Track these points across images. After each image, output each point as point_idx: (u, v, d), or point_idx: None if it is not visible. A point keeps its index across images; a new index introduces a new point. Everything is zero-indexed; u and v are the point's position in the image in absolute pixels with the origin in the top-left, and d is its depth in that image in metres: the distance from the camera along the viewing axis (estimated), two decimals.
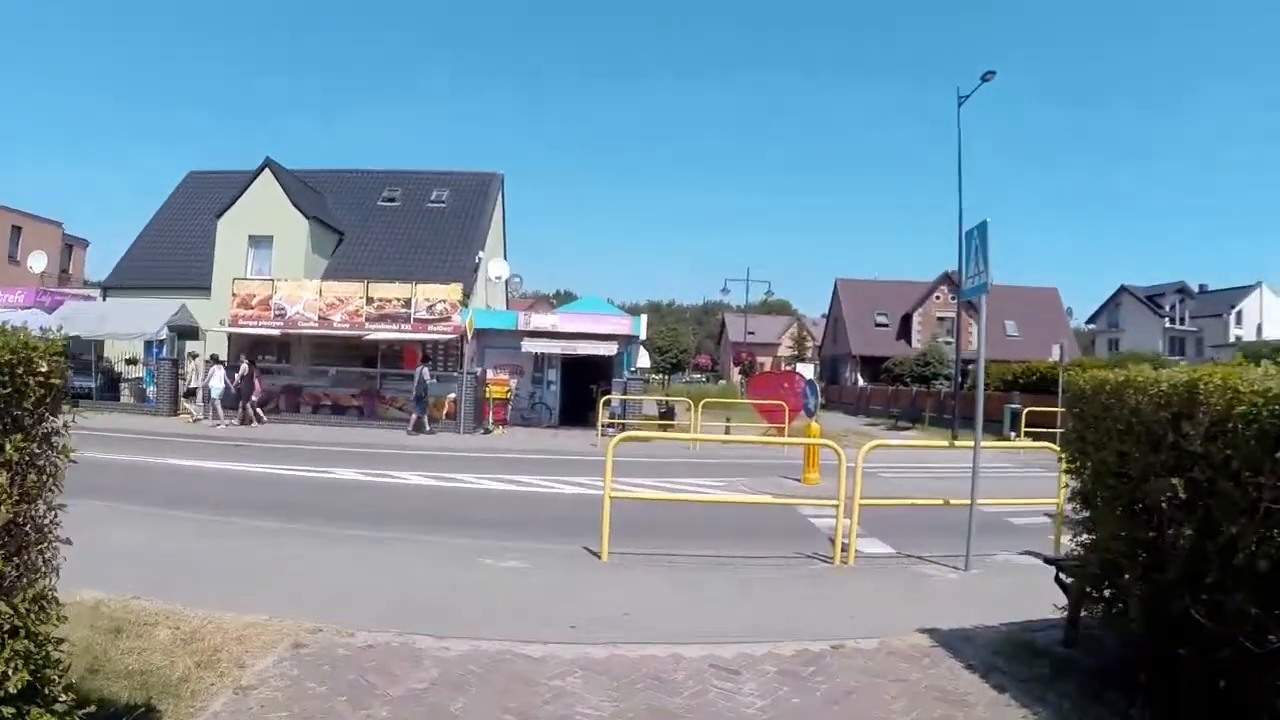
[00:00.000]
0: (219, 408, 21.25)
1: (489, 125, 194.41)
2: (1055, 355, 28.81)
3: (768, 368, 62.60)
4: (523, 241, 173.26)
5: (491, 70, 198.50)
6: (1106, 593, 4.59)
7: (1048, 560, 5.60)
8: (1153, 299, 65.01)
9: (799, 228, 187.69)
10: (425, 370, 21.88)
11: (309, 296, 24.00)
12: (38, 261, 30.80)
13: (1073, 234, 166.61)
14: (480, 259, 28.53)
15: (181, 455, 15.30)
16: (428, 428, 21.37)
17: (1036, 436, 21.86)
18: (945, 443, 15.89)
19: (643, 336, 25.88)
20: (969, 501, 7.76)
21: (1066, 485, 5.24)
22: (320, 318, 23.82)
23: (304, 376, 24.64)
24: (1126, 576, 4.20)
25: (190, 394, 23.74)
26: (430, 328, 23.52)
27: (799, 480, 13.96)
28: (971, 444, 8.04)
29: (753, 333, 55.16)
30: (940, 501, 8.75)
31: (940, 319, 57.83)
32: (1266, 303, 61.74)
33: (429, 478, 13.51)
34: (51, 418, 2.80)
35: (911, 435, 28.89)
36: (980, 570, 7.60)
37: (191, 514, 9.42)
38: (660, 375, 51.67)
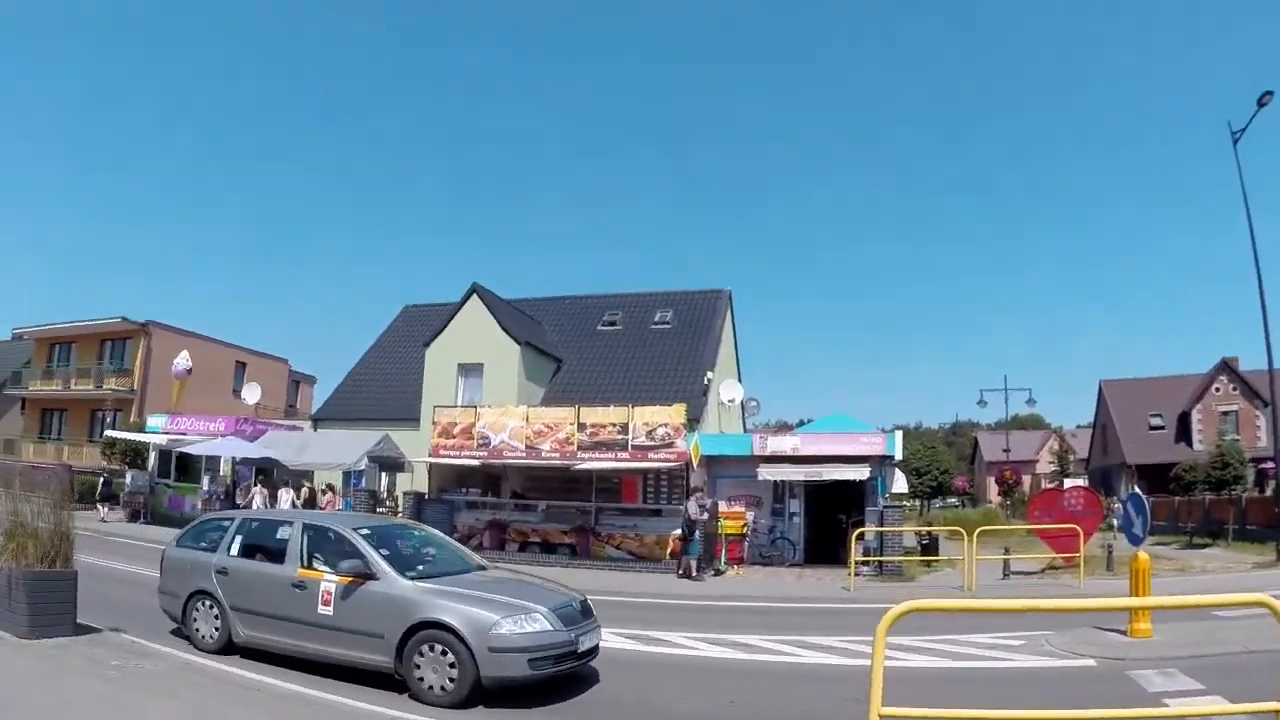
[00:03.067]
0: None
1: (711, 238, 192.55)
2: None
3: (1025, 487, 55.17)
4: (758, 367, 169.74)
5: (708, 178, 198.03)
6: None
7: None
8: None
9: (1051, 329, 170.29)
10: (693, 504, 18.60)
11: (515, 424, 21.46)
12: (251, 393, 30.81)
13: None
14: (709, 380, 25.37)
15: None
16: (695, 573, 17.92)
17: None
18: None
19: (898, 457, 21.57)
20: None
21: None
22: (528, 446, 21.16)
23: (511, 511, 21.93)
24: None
25: None
26: (650, 455, 20.18)
27: (1124, 634, 9.99)
28: None
29: (1007, 450, 48.71)
30: None
31: (1224, 413, 49.69)
32: None
33: (621, 636, 10.38)
34: None
35: (1212, 554, 23.55)
36: None
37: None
38: (917, 500, 46.04)
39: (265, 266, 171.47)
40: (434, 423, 22.58)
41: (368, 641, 7.52)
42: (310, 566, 8.23)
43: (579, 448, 20.68)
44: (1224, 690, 7.05)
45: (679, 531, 18.81)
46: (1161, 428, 52.53)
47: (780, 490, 21.42)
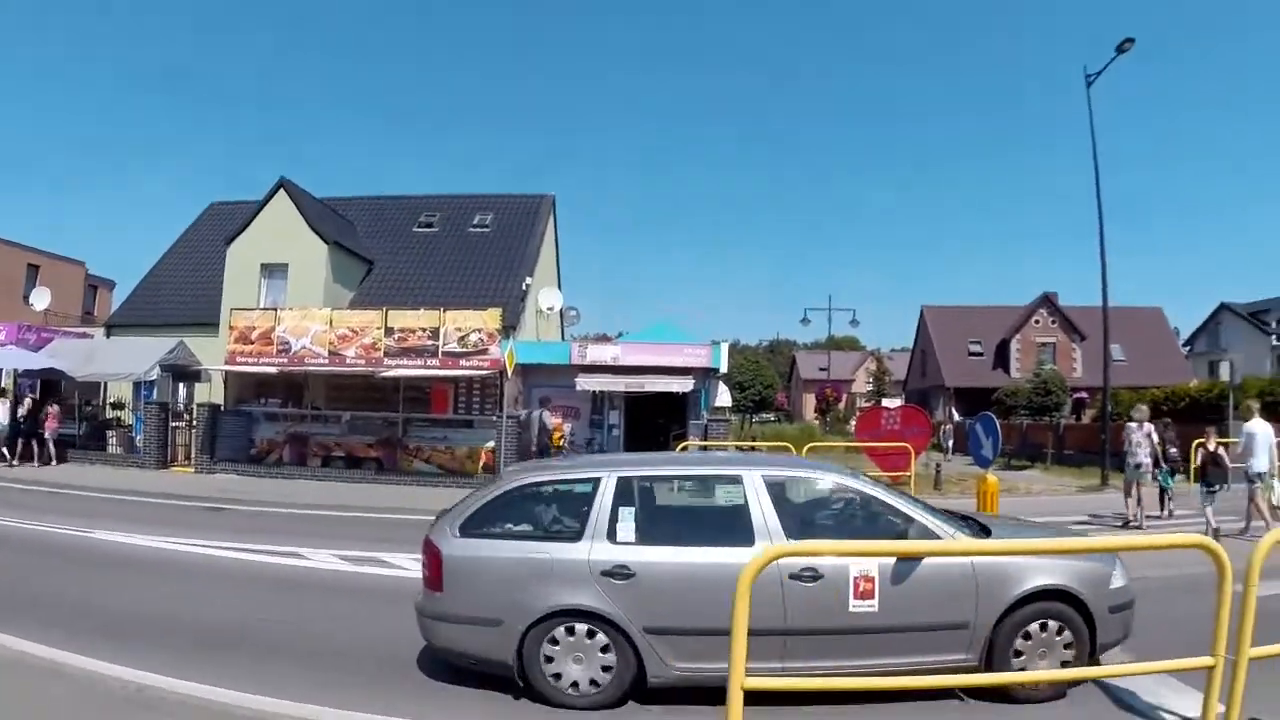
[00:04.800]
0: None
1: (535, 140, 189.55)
2: (1225, 374, 24.22)
3: (843, 404, 57.31)
4: (581, 278, 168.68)
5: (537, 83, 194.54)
6: None
7: None
8: (1256, 315, 57.90)
9: (873, 251, 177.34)
10: (546, 413, 17.61)
11: (317, 328, 19.84)
12: (40, 299, 27.50)
13: (1166, 251, 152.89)
14: (527, 286, 24.22)
15: (125, 525, 11.54)
16: None
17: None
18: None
19: (723, 370, 21.22)
20: None
21: None
22: (331, 353, 19.65)
23: (312, 423, 20.46)
24: None
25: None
26: (461, 362, 19.15)
27: None
28: None
29: (825, 369, 49.95)
30: None
31: (1042, 344, 52.75)
32: None
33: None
34: None
35: (1034, 476, 23.98)
36: None
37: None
38: (740, 415, 46.75)
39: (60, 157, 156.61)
40: (231, 327, 20.68)
41: (940, 639, 5.12)
42: None
43: (386, 354, 19.40)
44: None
45: (490, 444, 17.99)
46: (980, 354, 55.03)
47: (599, 401, 20.79)
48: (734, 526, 5.27)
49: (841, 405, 60.32)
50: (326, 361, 19.65)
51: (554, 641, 5.07)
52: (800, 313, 47.31)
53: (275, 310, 20.86)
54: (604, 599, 5.05)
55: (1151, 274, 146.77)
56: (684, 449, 17.04)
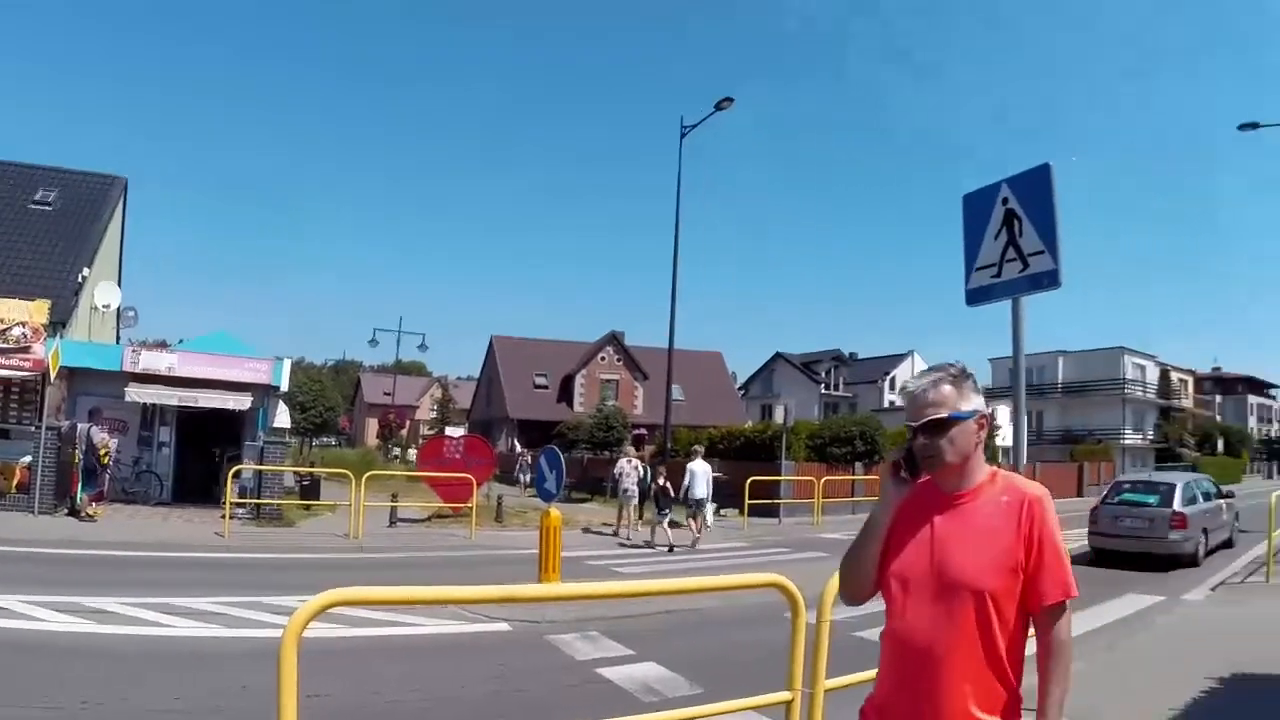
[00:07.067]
0: None
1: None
2: (780, 417, 26.65)
3: (405, 431, 58.60)
4: (143, 274, 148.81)
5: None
6: None
7: None
8: (808, 366, 68.08)
9: (444, 281, 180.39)
10: (95, 428, 16.72)
11: None
12: None
13: (726, 297, 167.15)
14: (84, 277, 22.32)
15: None
16: (85, 510, 16.04)
17: (757, 510, 21.02)
18: None
19: (284, 388, 20.82)
20: None
21: None
22: None
23: None
24: None
25: None
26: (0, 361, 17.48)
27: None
28: None
29: (390, 393, 50.83)
30: None
31: (606, 380, 55.69)
32: (919, 370, 68.41)
33: None
34: None
35: (593, 508, 25.99)
36: None
37: None
38: (300, 438, 45.29)
39: None
40: None
41: None
42: None
43: None
44: (656, 657, 7.17)
45: (26, 460, 16.74)
46: (545, 387, 56.59)
47: (150, 415, 19.73)
48: None
49: (405, 432, 61.28)
50: None
51: None
52: (370, 332, 47.34)
53: None
54: None
55: (714, 320, 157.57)
56: (237, 474, 16.98)
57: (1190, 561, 14.25)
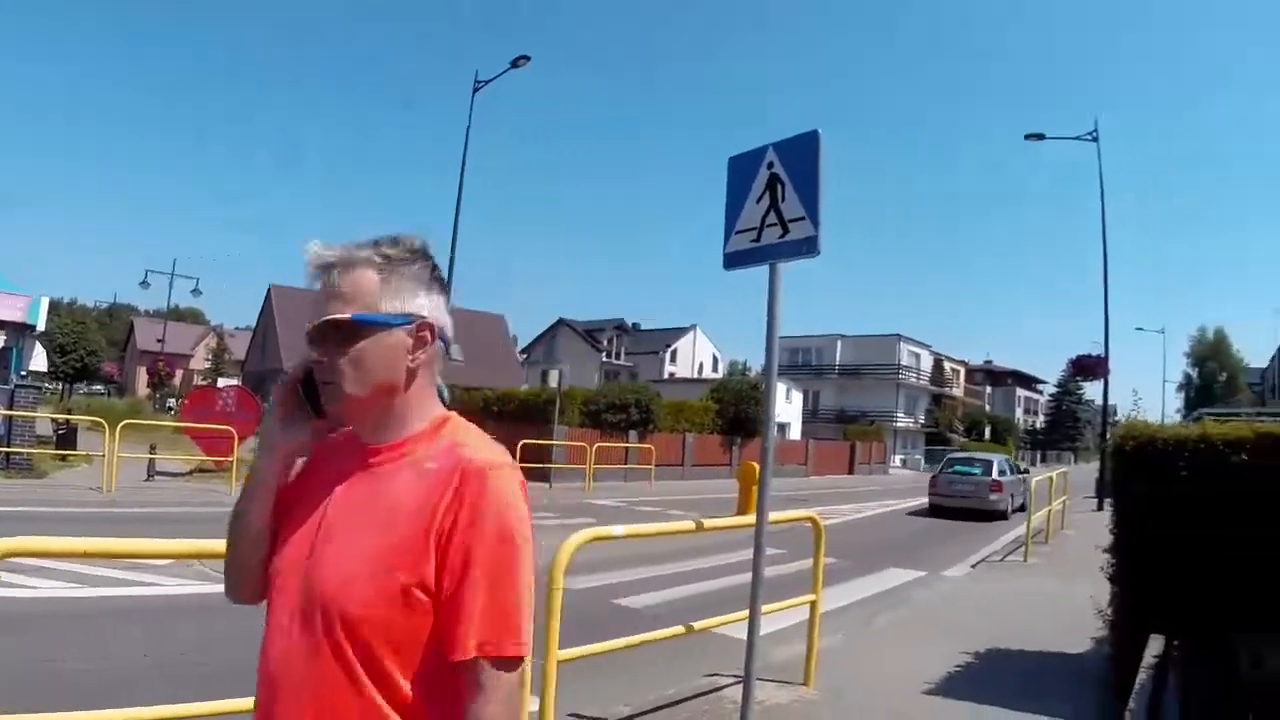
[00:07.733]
0: None
1: None
2: (554, 382, 25.87)
3: (178, 380, 54.00)
4: None
5: None
6: None
7: None
8: (591, 334, 67.14)
9: (225, 225, 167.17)
10: None
11: None
12: None
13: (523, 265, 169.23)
14: None
15: None
16: None
17: (529, 474, 19.58)
18: None
19: (40, 328, 19.24)
20: None
21: None
22: None
23: None
24: None
25: None
26: None
27: None
28: None
29: (162, 340, 46.62)
30: None
31: None
32: (700, 344, 69.50)
33: None
34: None
35: None
36: None
37: None
38: (59, 383, 40.60)
39: None
40: None
41: None
42: None
43: None
44: None
45: None
46: None
47: None
48: None
49: (178, 382, 56.77)
50: None
51: None
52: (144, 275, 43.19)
53: None
54: None
55: (500, 284, 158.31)
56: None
57: (1002, 516, 18.92)
